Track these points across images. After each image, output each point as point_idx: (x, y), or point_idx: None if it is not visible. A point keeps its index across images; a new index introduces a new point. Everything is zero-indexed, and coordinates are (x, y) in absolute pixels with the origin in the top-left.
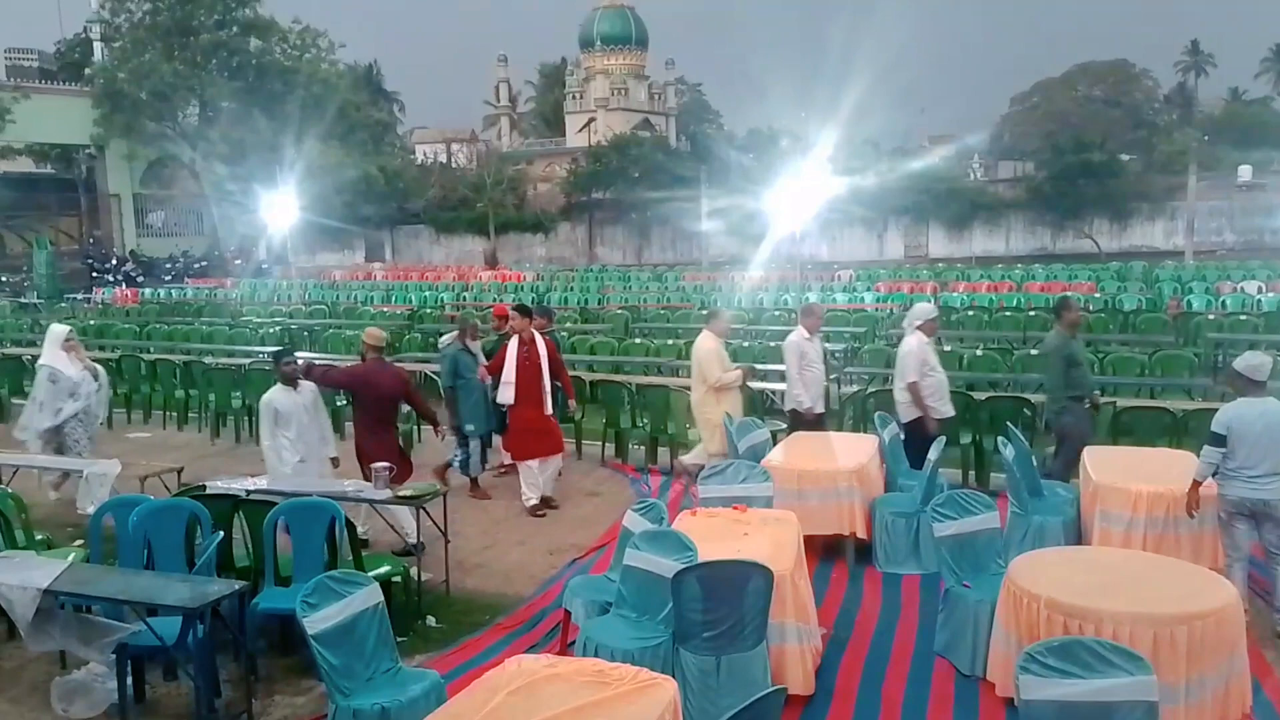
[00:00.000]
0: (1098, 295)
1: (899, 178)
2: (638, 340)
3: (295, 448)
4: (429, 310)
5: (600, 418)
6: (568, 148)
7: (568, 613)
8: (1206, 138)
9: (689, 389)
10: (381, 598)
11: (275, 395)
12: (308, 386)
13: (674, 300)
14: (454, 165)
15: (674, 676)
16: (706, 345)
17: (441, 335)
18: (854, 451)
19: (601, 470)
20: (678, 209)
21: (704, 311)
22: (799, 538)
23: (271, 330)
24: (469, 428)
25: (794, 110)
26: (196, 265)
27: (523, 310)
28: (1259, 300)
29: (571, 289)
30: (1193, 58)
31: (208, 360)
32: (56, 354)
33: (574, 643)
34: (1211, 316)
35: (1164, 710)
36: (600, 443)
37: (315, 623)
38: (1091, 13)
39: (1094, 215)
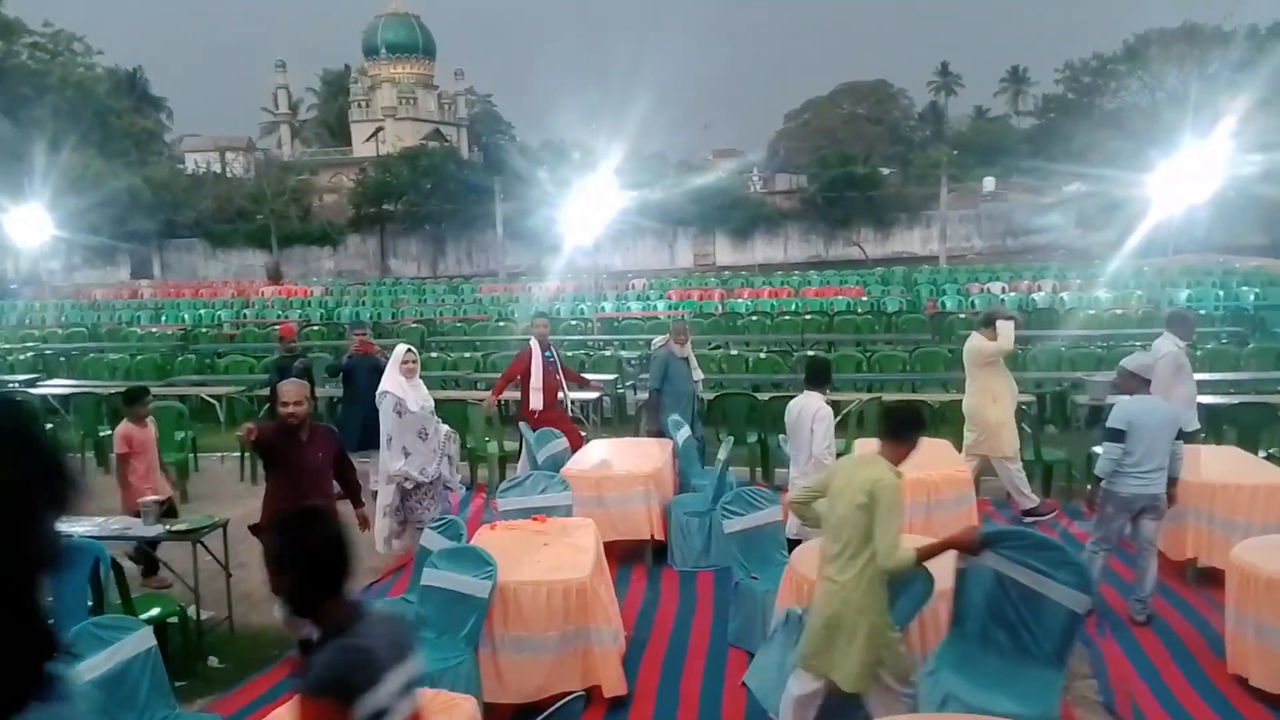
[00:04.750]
0: (865, 298)
1: (686, 190)
2: (434, 354)
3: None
4: (204, 330)
5: None
6: (355, 158)
7: None
8: (956, 152)
9: (483, 401)
10: (154, 642)
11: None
12: None
13: (471, 313)
14: (230, 175)
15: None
16: (973, 344)
17: (653, 341)
18: (649, 456)
19: None
20: (473, 220)
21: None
22: (599, 544)
23: (22, 357)
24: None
25: (585, 123)
26: None
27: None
28: (1003, 300)
29: (363, 303)
30: (943, 78)
31: None
32: (396, 377)
33: None
34: (963, 316)
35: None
36: None
37: (79, 674)
38: (856, 35)
39: (860, 224)
